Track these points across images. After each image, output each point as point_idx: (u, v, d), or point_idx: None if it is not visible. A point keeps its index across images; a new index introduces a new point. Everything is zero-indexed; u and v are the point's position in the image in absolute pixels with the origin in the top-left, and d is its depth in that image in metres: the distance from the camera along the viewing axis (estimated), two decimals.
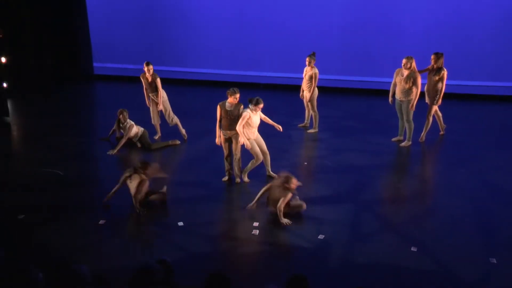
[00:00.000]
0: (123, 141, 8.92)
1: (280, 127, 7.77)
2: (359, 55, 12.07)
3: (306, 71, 9.50)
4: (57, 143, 9.33)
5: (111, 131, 9.41)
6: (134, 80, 11.32)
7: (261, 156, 7.63)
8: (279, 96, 11.78)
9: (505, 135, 9.72)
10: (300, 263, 5.86)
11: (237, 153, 7.63)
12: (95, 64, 13.66)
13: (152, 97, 9.21)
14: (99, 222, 6.67)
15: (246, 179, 7.76)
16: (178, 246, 6.20)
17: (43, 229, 6.55)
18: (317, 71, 9.36)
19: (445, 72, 8.77)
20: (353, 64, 12.20)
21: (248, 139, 7.41)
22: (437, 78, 8.78)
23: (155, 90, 9.12)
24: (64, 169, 8.20)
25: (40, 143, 9.44)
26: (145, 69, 9.06)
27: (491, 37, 11.36)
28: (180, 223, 6.66)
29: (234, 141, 7.54)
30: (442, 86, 8.84)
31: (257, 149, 7.56)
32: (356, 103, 11.64)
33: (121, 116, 9.04)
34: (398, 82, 8.77)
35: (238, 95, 7.35)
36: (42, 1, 12.46)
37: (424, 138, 9.26)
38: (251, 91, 11.39)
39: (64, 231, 6.51)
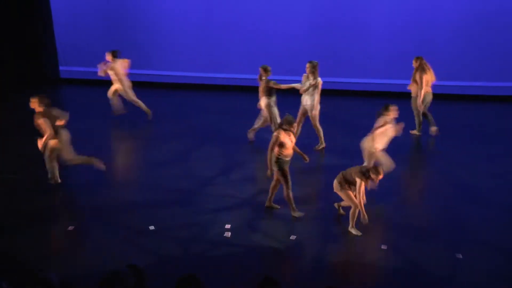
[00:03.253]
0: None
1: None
2: (327, 57, 12.15)
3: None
4: (20, 149, 9.07)
5: None
6: (103, 83, 11.11)
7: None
8: (247, 98, 11.76)
9: (474, 134, 9.85)
10: (272, 264, 5.90)
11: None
12: (61, 68, 13.38)
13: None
14: (68, 228, 6.56)
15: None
16: (150, 250, 6.15)
17: (8, 237, 6.40)
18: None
19: (320, 83, 8.70)
20: (321, 65, 12.28)
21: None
22: (310, 88, 8.70)
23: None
24: (29, 174, 8.00)
25: (1, 149, 9.18)
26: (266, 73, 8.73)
27: (460, 37, 11.56)
28: (151, 227, 6.60)
29: None
30: (318, 97, 8.74)
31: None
32: (324, 104, 11.71)
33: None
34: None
35: None
36: (2, 2, 12.12)
37: None
38: (220, 93, 11.40)
39: (30, 238, 6.37)
